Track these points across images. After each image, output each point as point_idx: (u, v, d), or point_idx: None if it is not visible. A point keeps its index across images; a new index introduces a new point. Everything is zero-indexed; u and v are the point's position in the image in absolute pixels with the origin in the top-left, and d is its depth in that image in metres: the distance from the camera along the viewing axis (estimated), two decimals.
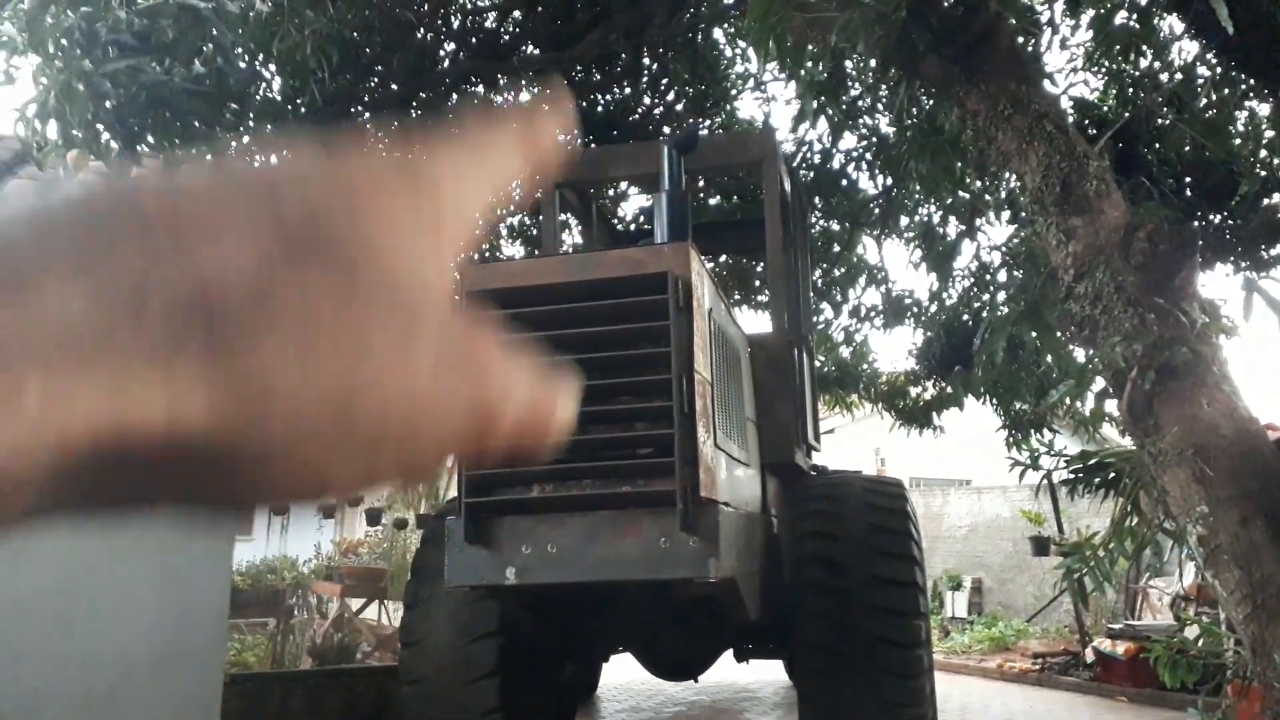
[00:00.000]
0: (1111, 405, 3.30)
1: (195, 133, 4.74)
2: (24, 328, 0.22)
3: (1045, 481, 4.77)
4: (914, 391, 9.61)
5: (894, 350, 47.08)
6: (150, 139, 4.52)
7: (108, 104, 4.01)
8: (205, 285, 0.25)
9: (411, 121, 7.18)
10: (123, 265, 0.24)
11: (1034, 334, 4.87)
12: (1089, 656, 9.19)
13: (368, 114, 7.15)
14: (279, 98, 5.72)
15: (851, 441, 16.10)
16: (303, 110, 5.88)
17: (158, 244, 0.25)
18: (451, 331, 0.29)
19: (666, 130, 7.64)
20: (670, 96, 7.98)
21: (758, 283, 8.83)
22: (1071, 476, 4.16)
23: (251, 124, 5.50)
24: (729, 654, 5.72)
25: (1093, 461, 4.00)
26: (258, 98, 5.39)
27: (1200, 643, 4.04)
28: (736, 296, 8.96)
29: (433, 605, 4.43)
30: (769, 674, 8.15)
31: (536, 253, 7.76)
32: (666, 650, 5.48)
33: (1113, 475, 3.89)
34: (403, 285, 0.28)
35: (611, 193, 8.58)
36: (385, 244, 0.28)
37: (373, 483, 0.28)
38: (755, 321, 12.57)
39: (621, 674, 8.08)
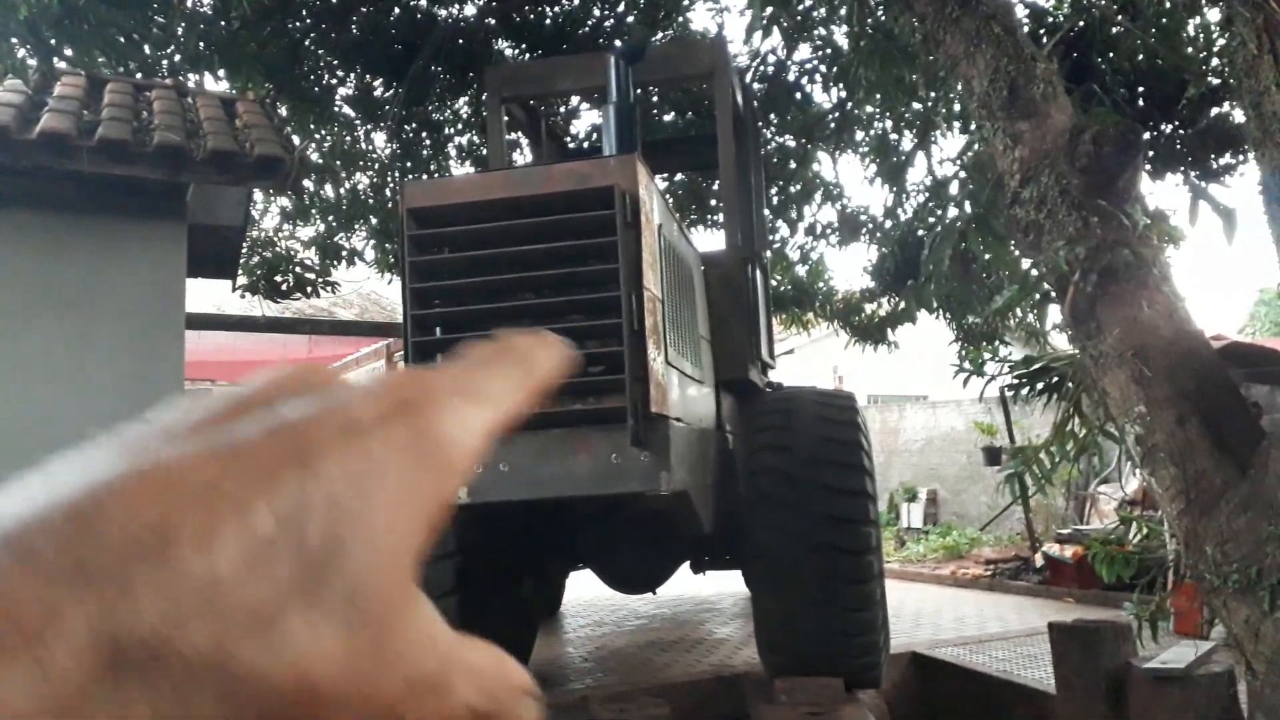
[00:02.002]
0: (1055, 310, 3.33)
1: (119, 48, 4.51)
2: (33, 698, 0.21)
3: (999, 393, 4.85)
4: (869, 308, 9.66)
5: (850, 267, 47.40)
6: (69, 53, 4.30)
7: (20, 14, 3.79)
8: (222, 632, 0.23)
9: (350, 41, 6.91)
10: (140, 612, 0.22)
11: (982, 243, 4.88)
12: (1038, 561, 9.51)
13: (310, 32, 6.88)
14: (209, 11, 5.45)
15: (811, 360, 16.27)
16: (236, 24, 5.62)
17: (176, 580, 0.23)
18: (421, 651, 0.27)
19: (618, 44, 7.45)
20: (621, 8, 7.76)
21: (713, 201, 8.74)
22: (1016, 382, 4.22)
23: (181, 39, 5.25)
24: (687, 567, 5.83)
25: (1036, 366, 4.06)
26: (185, 7, 5.12)
27: (1137, 539, 4.17)
28: (692, 216, 8.88)
29: None
30: (728, 585, 8.34)
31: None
32: (624, 564, 5.57)
33: (1055, 379, 3.96)
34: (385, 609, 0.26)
35: (563, 109, 8.39)
36: (387, 571, 0.26)
37: None
38: (711, 240, 12.51)
39: (584, 591, 8.22)
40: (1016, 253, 3.52)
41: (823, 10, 6.83)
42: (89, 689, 0.22)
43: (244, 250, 7.56)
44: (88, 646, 0.22)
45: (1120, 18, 5.54)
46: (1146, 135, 5.53)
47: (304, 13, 6.61)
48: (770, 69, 7.60)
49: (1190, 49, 5.97)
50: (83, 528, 0.23)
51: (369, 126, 8.18)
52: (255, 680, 0.23)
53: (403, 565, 0.27)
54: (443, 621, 0.29)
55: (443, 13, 7.47)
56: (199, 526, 0.23)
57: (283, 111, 7.22)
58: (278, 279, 8.55)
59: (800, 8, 6.53)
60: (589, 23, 7.65)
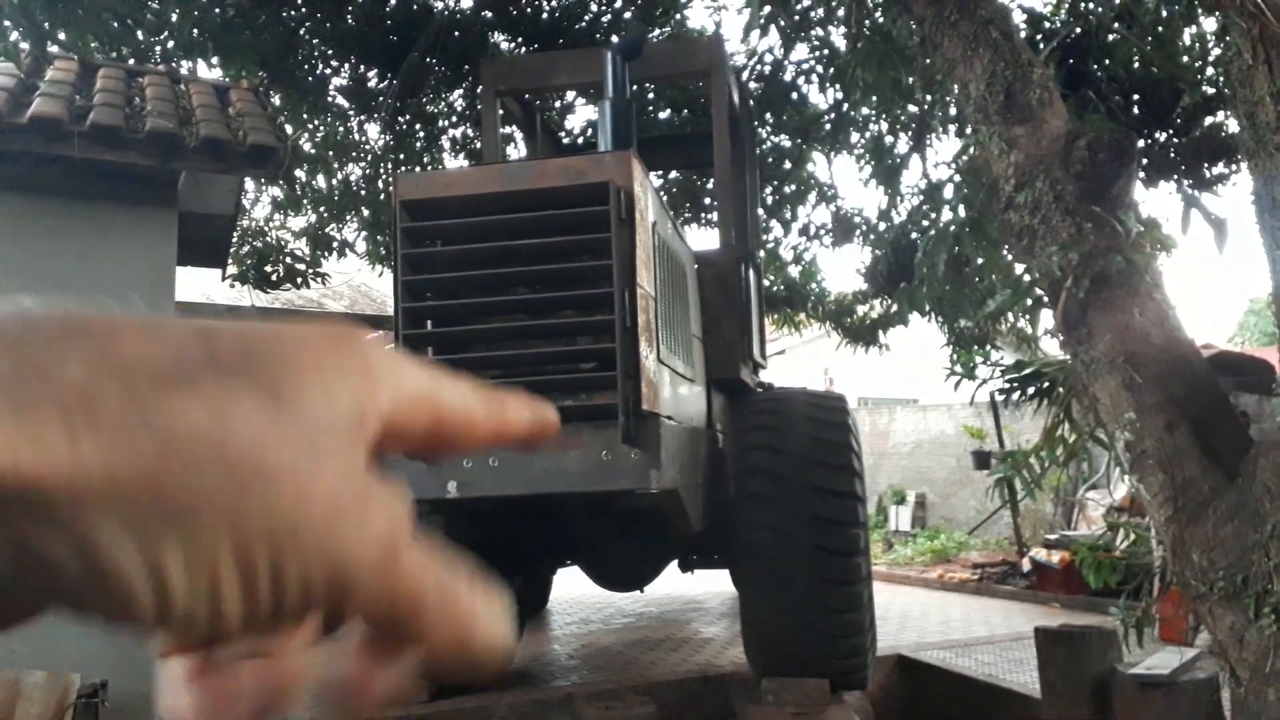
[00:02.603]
0: (1047, 315, 3.33)
1: (112, 33, 4.47)
2: None
3: (989, 398, 4.85)
4: (861, 310, 9.68)
5: (842, 269, 47.48)
6: (62, 37, 4.26)
7: None
8: (125, 358, 0.27)
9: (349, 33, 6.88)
10: (48, 340, 0.26)
11: (976, 247, 4.89)
12: (1026, 566, 9.54)
13: (305, 22, 6.84)
14: None
15: (802, 361, 16.29)
16: (231, 11, 5.58)
17: (91, 328, 0.27)
18: (356, 475, 0.30)
19: (615, 40, 7.43)
20: (618, 4, 7.74)
21: (707, 200, 8.74)
22: (1007, 386, 4.23)
23: (175, 25, 5.20)
24: (675, 565, 5.83)
25: (1027, 371, 4.07)
26: None
27: (1124, 545, 4.19)
28: (686, 215, 8.87)
29: None
30: (716, 585, 8.34)
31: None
32: (612, 562, 5.56)
33: (1046, 384, 3.97)
34: (321, 419, 0.29)
35: (558, 104, 8.37)
36: (311, 380, 0.29)
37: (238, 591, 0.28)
38: (705, 239, 12.51)
39: (572, 588, 8.21)
40: (1010, 257, 3.53)
41: (820, 11, 6.83)
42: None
43: (234, 239, 7.51)
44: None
45: (1117, 25, 5.56)
46: (1141, 143, 5.55)
47: (299, 2, 6.58)
48: (767, 68, 7.60)
49: (1186, 58, 5.99)
50: (60, 323, 0.27)
51: (362, 117, 8.15)
52: (166, 409, 0.26)
53: (335, 396, 0.30)
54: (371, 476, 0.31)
55: (439, 4, 7.45)
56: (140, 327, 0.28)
57: (276, 101, 7.17)
58: (268, 269, 8.50)
59: (798, 8, 6.53)
60: (586, 18, 7.64)
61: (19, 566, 0.25)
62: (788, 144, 8.53)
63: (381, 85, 7.58)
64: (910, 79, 5.92)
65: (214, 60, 6.23)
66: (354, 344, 0.32)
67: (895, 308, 8.30)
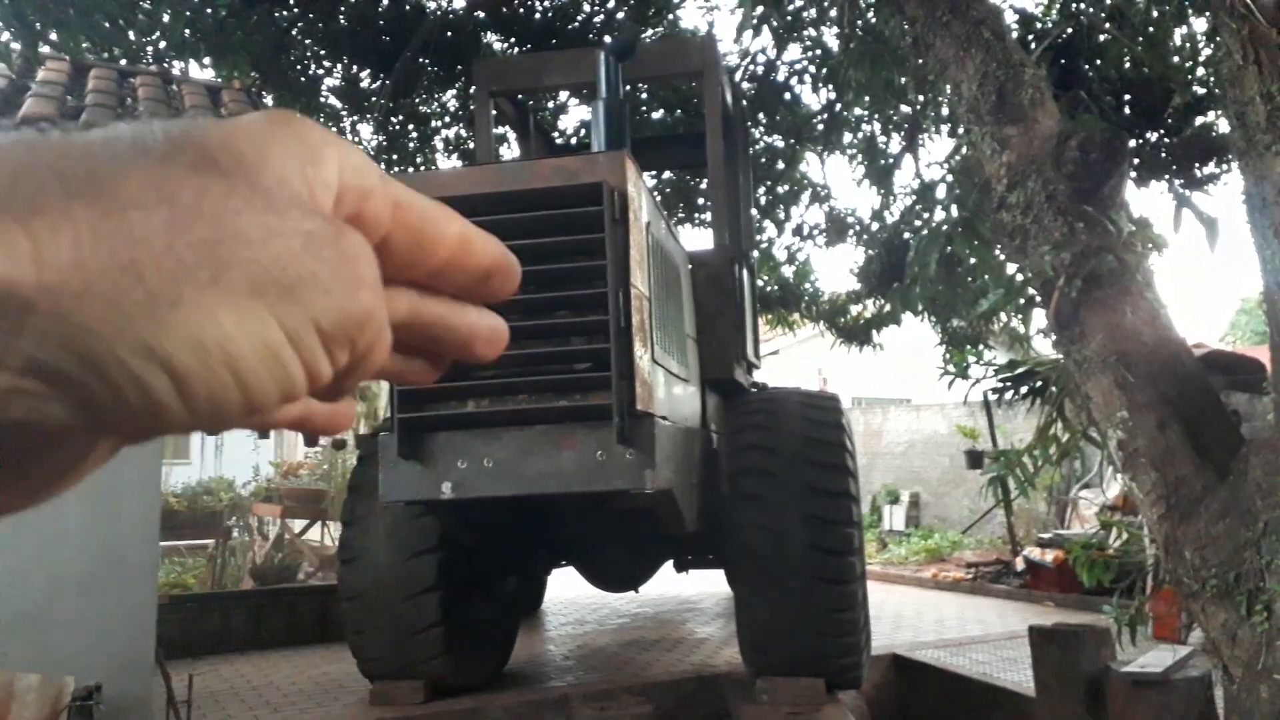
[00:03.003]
0: (1039, 315, 3.34)
1: (104, 33, 4.45)
2: None
3: (982, 398, 4.86)
4: (855, 310, 9.69)
5: (836, 269, 47.61)
6: (53, 37, 4.24)
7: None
8: (70, 148, 0.26)
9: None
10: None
11: (968, 247, 4.90)
12: (1019, 565, 9.56)
13: (297, 22, 6.83)
14: None
15: (796, 361, 16.30)
16: (223, 12, 5.57)
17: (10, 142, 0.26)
18: (315, 230, 0.29)
19: (608, 40, 7.43)
20: (611, 4, 7.74)
21: (701, 200, 8.74)
22: (1000, 386, 4.24)
23: (167, 25, 5.19)
24: (670, 565, 5.83)
25: (1020, 370, 4.08)
26: None
27: (1117, 544, 4.20)
28: (680, 215, 8.87)
29: (370, 522, 4.42)
30: (710, 585, 8.34)
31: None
32: (607, 562, 5.56)
33: (1039, 384, 3.98)
34: (272, 187, 0.28)
35: (551, 104, 8.37)
36: (257, 153, 0.29)
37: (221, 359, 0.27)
38: (698, 239, 12.52)
39: (566, 589, 8.20)
40: (1002, 257, 3.54)
41: (813, 11, 6.84)
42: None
43: None
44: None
45: (1108, 26, 5.58)
46: (1132, 143, 5.57)
47: (291, 2, 6.57)
48: (760, 69, 7.60)
49: (1176, 58, 6.02)
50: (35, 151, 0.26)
51: (355, 118, 8.13)
52: (126, 194, 0.26)
53: (277, 158, 0.29)
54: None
55: (431, 5, 7.44)
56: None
57: (268, 101, 7.16)
58: None
59: (791, 8, 6.54)
60: (579, 18, 7.64)
61: (45, 387, 0.25)
62: (781, 144, 8.54)
63: (374, 86, 7.57)
64: (903, 79, 5.93)
65: (206, 61, 6.22)
66: (291, 125, 0.31)
67: (888, 307, 8.32)
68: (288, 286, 0.27)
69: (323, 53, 7.29)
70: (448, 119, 8.55)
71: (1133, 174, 5.56)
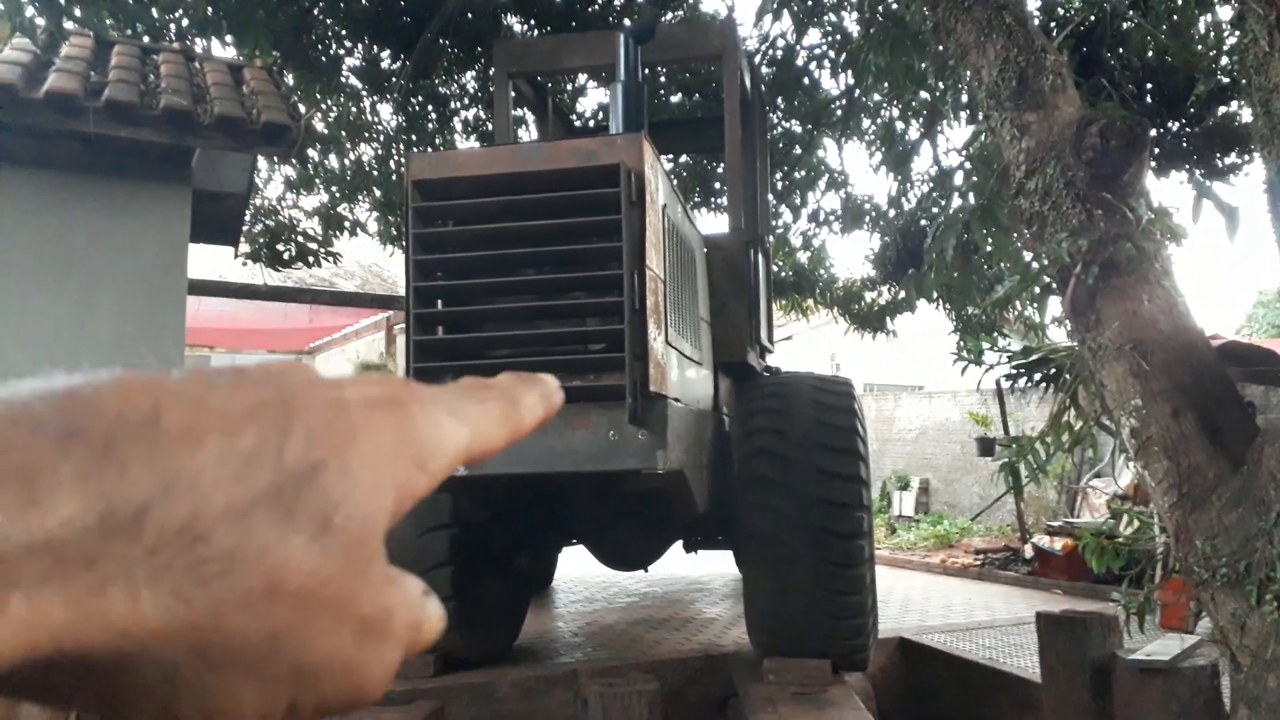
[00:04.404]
0: (1055, 302, 3.34)
1: (127, 9, 4.48)
2: (27, 532, 0.23)
3: (995, 385, 4.86)
4: (869, 296, 9.68)
5: (851, 255, 47.39)
6: (77, 13, 4.27)
7: None
8: (198, 514, 0.25)
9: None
10: (130, 481, 0.24)
11: (986, 234, 4.89)
12: (1028, 552, 9.57)
13: (319, 1, 6.83)
14: None
15: (808, 347, 16.29)
16: None
17: (164, 461, 0.25)
18: (370, 617, 0.29)
19: (627, 22, 7.41)
20: None
21: (717, 184, 8.73)
22: (1014, 372, 4.24)
23: (190, 3, 5.21)
24: (679, 546, 5.86)
25: (1035, 357, 4.08)
26: None
27: (1128, 532, 4.20)
28: (696, 198, 8.87)
29: None
30: (719, 566, 8.38)
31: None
32: (617, 542, 5.60)
33: (1054, 371, 3.98)
34: (357, 534, 0.28)
35: (570, 87, 8.36)
36: (356, 477, 0.28)
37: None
38: (714, 223, 12.49)
39: (576, 567, 8.26)
40: (1019, 243, 3.53)
41: None
42: (80, 538, 0.24)
43: (247, 218, 7.54)
44: (78, 496, 0.24)
45: (1131, 13, 5.52)
46: (1153, 132, 5.52)
47: None
48: (779, 53, 7.57)
49: (1200, 46, 5.96)
50: (77, 400, 0.25)
51: (375, 98, 8.15)
52: (224, 562, 0.25)
53: (376, 510, 0.28)
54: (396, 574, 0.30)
55: None
56: (186, 424, 0.26)
57: (289, 80, 7.19)
58: (280, 248, 8.54)
59: None
60: (599, 1, 7.61)
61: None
62: (799, 129, 8.51)
63: (394, 66, 7.58)
64: (922, 65, 5.90)
65: (228, 39, 6.24)
66: (400, 413, 0.30)
67: (903, 294, 8.31)
68: (318, 676, 0.28)
69: (344, 33, 7.31)
70: (467, 100, 8.56)
71: (1153, 163, 5.52)
